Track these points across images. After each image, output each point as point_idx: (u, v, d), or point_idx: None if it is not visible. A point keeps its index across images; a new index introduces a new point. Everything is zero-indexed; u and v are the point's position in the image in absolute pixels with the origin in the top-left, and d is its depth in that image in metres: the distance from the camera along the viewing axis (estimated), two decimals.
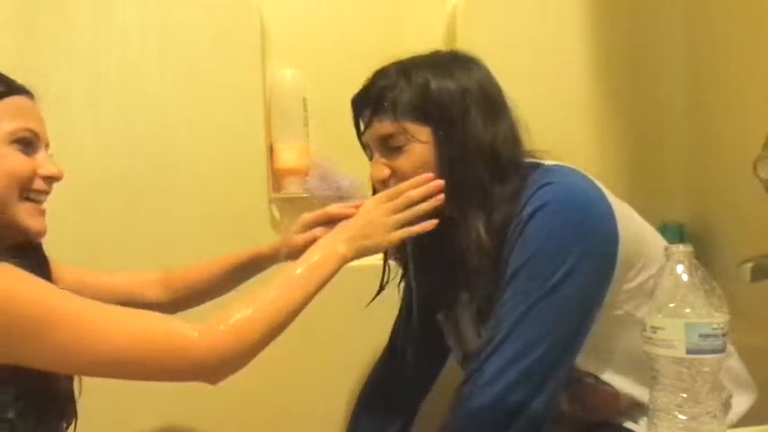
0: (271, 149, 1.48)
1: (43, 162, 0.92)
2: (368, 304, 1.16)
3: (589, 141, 1.62)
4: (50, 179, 0.92)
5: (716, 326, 0.73)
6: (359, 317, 1.34)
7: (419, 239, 1.16)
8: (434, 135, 1.02)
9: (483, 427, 0.95)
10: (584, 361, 0.99)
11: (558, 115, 1.56)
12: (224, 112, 1.44)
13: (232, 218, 1.43)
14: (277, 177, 1.49)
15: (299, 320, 1.45)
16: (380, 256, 1.18)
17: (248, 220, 1.44)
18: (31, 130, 0.90)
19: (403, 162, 1.03)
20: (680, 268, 0.77)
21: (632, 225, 1.02)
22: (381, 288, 1.17)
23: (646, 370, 0.98)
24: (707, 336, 0.73)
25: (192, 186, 1.43)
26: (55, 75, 1.36)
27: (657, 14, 1.65)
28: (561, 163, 1.05)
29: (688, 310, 0.74)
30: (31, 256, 0.94)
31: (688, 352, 0.73)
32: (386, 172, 1.05)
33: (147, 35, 1.40)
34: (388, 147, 1.04)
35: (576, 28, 1.62)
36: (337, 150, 1.48)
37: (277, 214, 1.51)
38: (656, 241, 1.05)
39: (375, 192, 1.15)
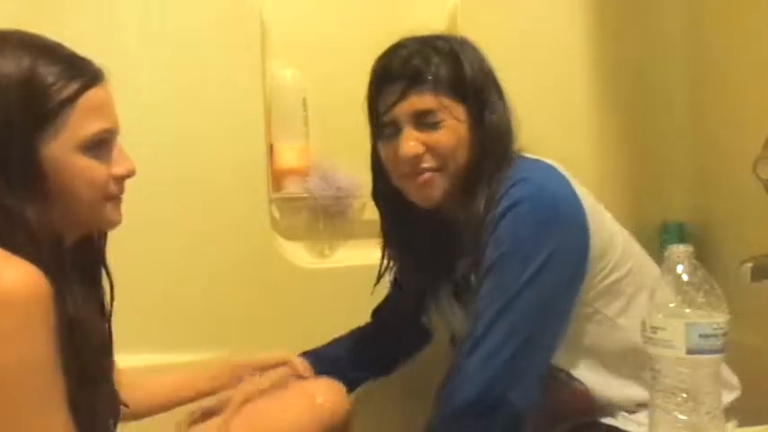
0: (271, 149, 1.48)
1: (117, 159, 0.85)
2: (372, 291, 1.20)
3: (590, 141, 1.61)
4: (124, 178, 0.87)
5: (716, 326, 0.73)
6: (356, 316, 1.34)
7: (407, 228, 1.16)
8: (469, 114, 1.04)
9: (465, 421, 0.96)
10: (556, 357, 1.01)
11: (558, 115, 1.55)
12: (224, 111, 1.43)
13: (232, 218, 1.43)
14: (277, 177, 1.49)
15: (299, 320, 1.46)
16: (378, 254, 1.19)
17: (248, 219, 1.44)
18: (107, 131, 0.82)
19: (441, 138, 1.03)
20: (680, 268, 0.77)
21: (602, 222, 1.04)
22: (380, 277, 1.19)
23: (617, 367, 1.02)
24: (707, 336, 0.73)
25: (192, 186, 1.43)
26: None
27: (658, 14, 1.65)
28: (537, 157, 1.06)
29: (688, 310, 0.74)
30: (92, 248, 0.91)
31: (688, 352, 0.73)
32: (420, 148, 1.03)
33: (147, 35, 1.40)
34: (425, 122, 1.03)
35: (575, 26, 1.62)
36: (337, 150, 1.48)
37: (277, 214, 1.51)
38: (625, 242, 1.06)
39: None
